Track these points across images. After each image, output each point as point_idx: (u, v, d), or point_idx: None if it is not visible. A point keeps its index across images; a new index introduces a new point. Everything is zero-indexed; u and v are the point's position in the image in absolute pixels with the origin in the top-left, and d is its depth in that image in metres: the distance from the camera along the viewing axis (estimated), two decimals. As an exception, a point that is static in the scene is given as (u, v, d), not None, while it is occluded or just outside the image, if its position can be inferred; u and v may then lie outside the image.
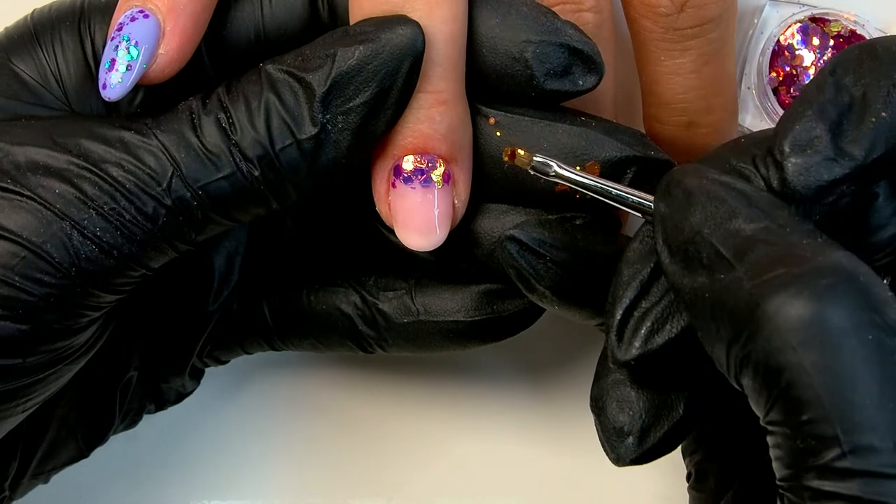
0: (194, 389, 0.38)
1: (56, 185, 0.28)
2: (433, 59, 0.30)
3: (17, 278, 0.27)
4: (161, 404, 0.37)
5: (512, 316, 0.34)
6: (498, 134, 0.31)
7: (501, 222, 0.32)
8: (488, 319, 0.34)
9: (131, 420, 0.36)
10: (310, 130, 0.29)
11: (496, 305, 0.34)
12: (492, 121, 0.32)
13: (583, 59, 0.31)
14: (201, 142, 0.29)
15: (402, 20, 0.29)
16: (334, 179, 0.30)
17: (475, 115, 0.32)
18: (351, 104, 0.29)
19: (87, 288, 0.28)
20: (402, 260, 0.34)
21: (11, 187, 0.28)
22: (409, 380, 0.41)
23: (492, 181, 0.32)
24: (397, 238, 0.33)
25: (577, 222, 0.32)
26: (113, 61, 0.29)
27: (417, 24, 0.29)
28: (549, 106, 0.32)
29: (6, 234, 0.28)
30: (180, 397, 0.37)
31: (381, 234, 0.33)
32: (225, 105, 0.29)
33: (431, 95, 0.30)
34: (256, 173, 0.29)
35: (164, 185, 0.29)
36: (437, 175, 0.30)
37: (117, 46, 0.29)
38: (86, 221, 0.28)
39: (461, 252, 0.33)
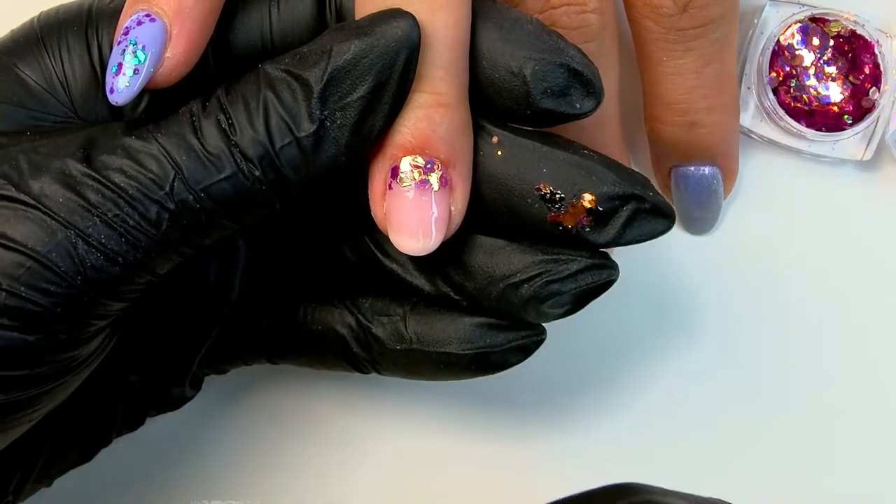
0: (195, 395, 0.37)
1: (60, 194, 0.28)
2: (434, 62, 0.29)
3: (22, 288, 0.27)
4: (162, 409, 0.37)
5: (505, 350, 0.33)
6: (499, 153, 0.31)
7: (496, 259, 0.32)
8: (481, 353, 0.33)
9: (134, 424, 0.36)
10: (308, 128, 0.28)
11: (489, 339, 0.33)
12: (495, 139, 0.31)
13: (582, 81, 0.30)
14: (202, 143, 0.29)
15: (397, 13, 0.29)
16: (334, 178, 0.30)
17: (478, 132, 0.31)
18: (348, 99, 0.29)
19: (94, 296, 0.28)
20: (394, 287, 0.34)
21: (15, 196, 0.28)
22: (410, 382, 0.41)
23: (487, 202, 0.31)
24: (390, 262, 0.32)
25: None
26: (120, 65, 0.29)
27: (413, 17, 0.29)
28: (546, 127, 0.31)
29: (10, 244, 0.27)
30: (181, 403, 0.37)
31: (374, 258, 0.33)
32: (224, 106, 0.29)
33: (432, 97, 0.30)
34: (257, 173, 0.29)
35: (167, 188, 0.28)
36: (434, 178, 0.30)
37: (124, 51, 0.29)
38: (90, 229, 0.28)
39: (454, 283, 0.33)
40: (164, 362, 0.35)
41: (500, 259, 0.32)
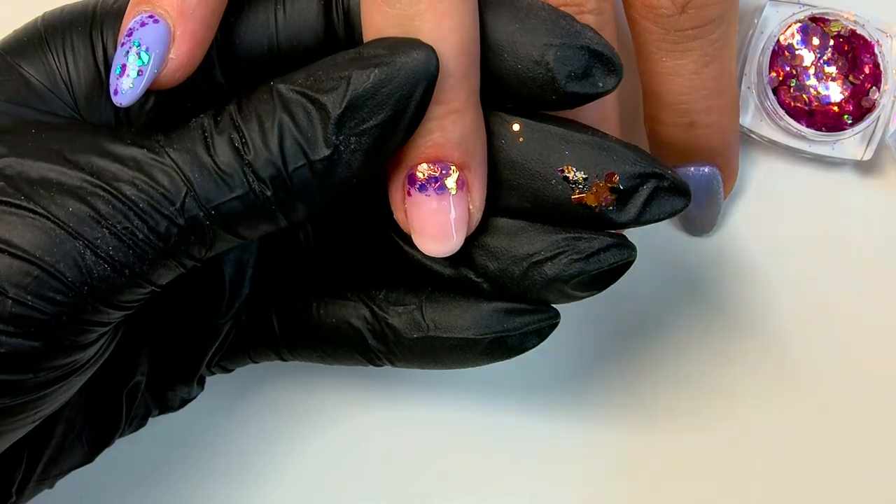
0: (198, 394, 0.38)
1: (69, 203, 0.28)
2: (444, 71, 0.29)
3: (29, 297, 0.27)
4: (165, 409, 0.37)
5: (522, 334, 0.34)
6: (521, 140, 0.32)
7: (518, 240, 0.32)
8: (499, 338, 0.33)
9: (136, 425, 0.36)
10: (323, 152, 0.29)
11: (507, 323, 0.33)
12: (515, 127, 0.32)
13: (602, 61, 0.31)
14: (214, 161, 0.29)
15: (416, 44, 0.29)
16: (344, 197, 0.30)
17: (498, 122, 0.32)
18: (365, 126, 0.29)
19: (98, 306, 0.28)
20: (414, 274, 0.34)
21: (25, 204, 0.28)
22: (412, 382, 0.41)
23: (510, 188, 0.32)
24: (412, 248, 0.32)
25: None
26: (124, 66, 0.29)
27: (431, 49, 0.29)
28: (569, 110, 0.32)
29: (18, 253, 0.27)
30: (185, 402, 0.37)
31: (394, 246, 0.33)
32: (237, 124, 0.29)
33: (443, 106, 0.30)
34: (269, 193, 0.29)
35: (178, 204, 0.28)
36: (451, 182, 0.30)
37: (128, 52, 0.29)
38: (99, 241, 0.28)
39: (476, 265, 0.33)
40: (172, 362, 0.35)
41: (523, 239, 0.32)
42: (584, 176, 0.31)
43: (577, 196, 0.31)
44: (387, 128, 0.29)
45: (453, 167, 0.30)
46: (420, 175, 0.31)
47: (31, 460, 0.33)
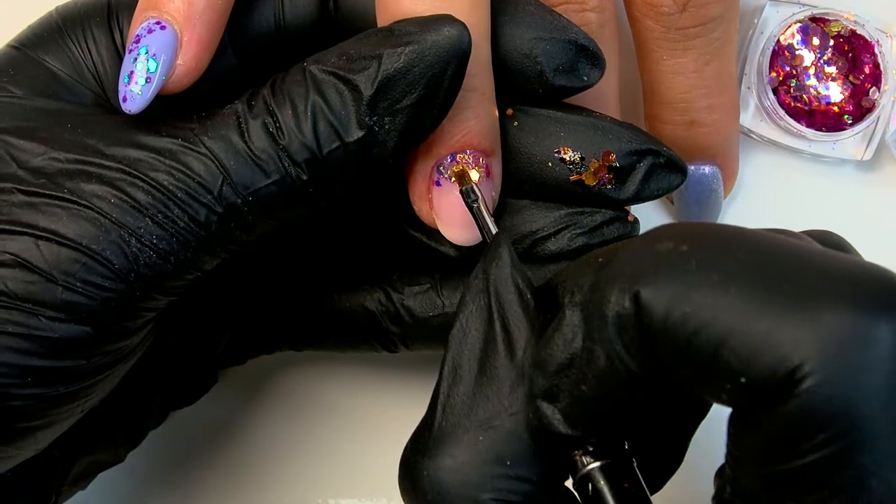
0: (211, 387, 0.38)
1: (110, 195, 0.28)
2: (475, 60, 0.29)
3: (78, 283, 0.28)
4: (181, 404, 0.37)
5: None
6: (515, 124, 0.32)
7: (521, 217, 0.33)
8: None
9: (159, 421, 0.36)
10: (356, 134, 0.29)
11: None
12: (509, 112, 0.32)
13: (587, 55, 0.31)
14: (249, 147, 0.29)
15: (447, 20, 0.29)
16: (379, 177, 0.30)
17: None
18: (398, 106, 0.29)
19: (146, 291, 0.29)
20: (427, 258, 0.34)
21: (68, 197, 0.28)
22: (415, 380, 0.41)
23: (509, 172, 0.32)
24: (417, 232, 0.33)
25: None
26: (132, 73, 0.29)
27: (463, 25, 0.29)
28: (558, 102, 0.32)
29: (65, 241, 0.28)
30: (199, 395, 0.37)
31: (400, 231, 0.33)
32: (271, 108, 0.29)
33: (478, 93, 0.30)
34: (305, 177, 0.29)
35: (215, 192, 0.29)
36: (478, 170, 0.31)
37: (136, 59, 0.29)
38: (142, 230, 0.28)
39: (479, 245, 0.33)
40: (187, 354, 0.35)
41: (526, 217, 0.33)
42: (580, 156, 0.32)
43: (575, 176, 0.32)
44: (420, 107, 0.29)
45: (481, 156, 0.31)
46: (450, 165, 0.31)
47: (67, 462, 0.33)
